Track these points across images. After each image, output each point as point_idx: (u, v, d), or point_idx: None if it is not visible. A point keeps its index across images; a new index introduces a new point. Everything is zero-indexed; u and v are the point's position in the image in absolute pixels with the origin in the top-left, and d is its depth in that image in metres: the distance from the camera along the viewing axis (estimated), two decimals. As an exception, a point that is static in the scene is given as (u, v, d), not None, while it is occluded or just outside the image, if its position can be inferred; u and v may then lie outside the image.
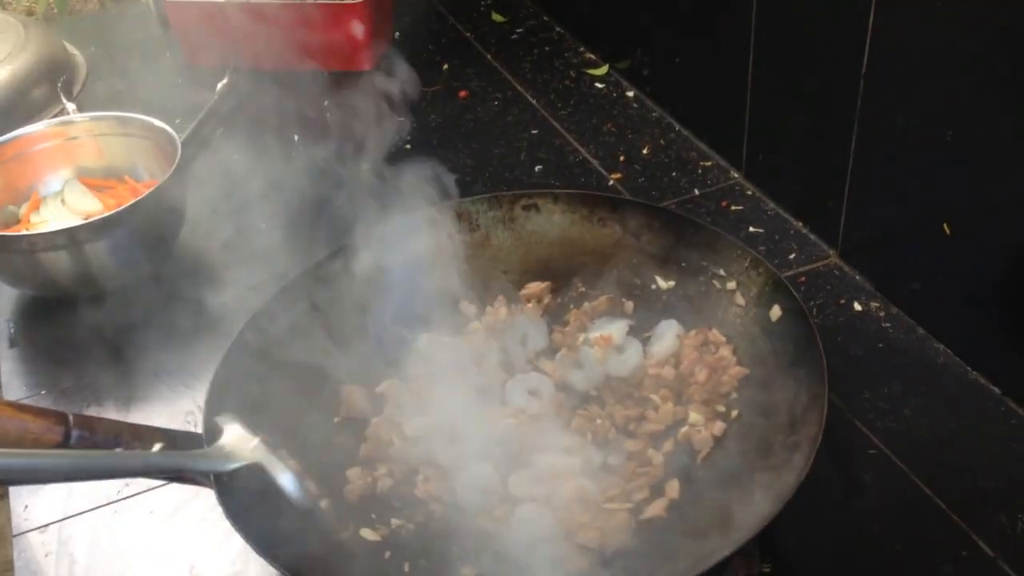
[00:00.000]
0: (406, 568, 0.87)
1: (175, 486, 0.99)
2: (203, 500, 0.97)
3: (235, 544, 0.94)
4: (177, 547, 0.96)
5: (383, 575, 0.86)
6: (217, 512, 0.95)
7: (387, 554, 0.88)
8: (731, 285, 1.01)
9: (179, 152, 1.28)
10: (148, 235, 1.25)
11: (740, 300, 1.00)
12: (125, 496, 1.01)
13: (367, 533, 0.90)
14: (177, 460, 0.82)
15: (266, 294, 1.04)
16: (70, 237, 1.19)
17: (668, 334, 1.02)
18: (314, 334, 1.02)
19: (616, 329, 1.02)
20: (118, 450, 0.80)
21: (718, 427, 0.94)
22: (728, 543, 0.76)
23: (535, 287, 1.10)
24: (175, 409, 1.11)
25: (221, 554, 0.94)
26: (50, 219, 1.32)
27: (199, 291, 1.29)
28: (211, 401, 0.89)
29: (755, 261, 0.99)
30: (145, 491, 1.01)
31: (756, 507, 0.82)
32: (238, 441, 0.83)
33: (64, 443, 0.77)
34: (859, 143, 1.15)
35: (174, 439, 0.84)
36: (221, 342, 0.97)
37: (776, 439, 0.87)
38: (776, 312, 0.95)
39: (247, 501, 0.83)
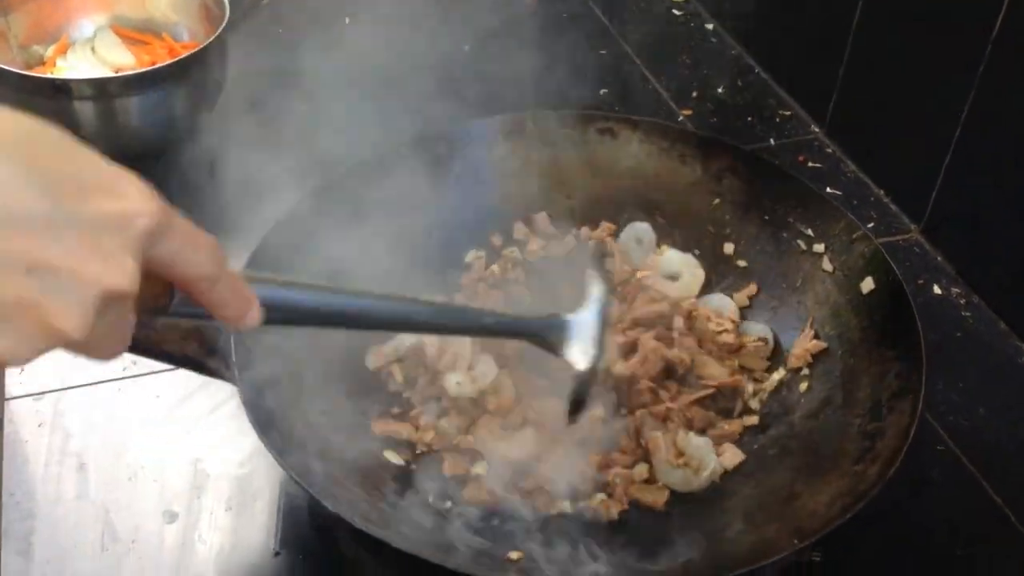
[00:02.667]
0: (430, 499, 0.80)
1: (182, 373, 0.91)
2: (215, 391, 0.89)
3: (246, 444, 0.87)
4: (181, 438, 0.88)
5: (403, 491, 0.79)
6: (228, 406, 0.88)
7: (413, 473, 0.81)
8: (819, 248, 0.92)
9: (227, 16, 1.17)
10: (182, 100, 1.15)
11: (827, 265, 0.91)
12: (131, 375, 0.93)
13: (390, 455, 0.83)
14: (524, 326, 0.70)
15: (303, 186, 0.95)
16: (99, 88, 1.10)
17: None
18: (351, 241, 0.93)
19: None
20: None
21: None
22: (795, 540, 0.69)
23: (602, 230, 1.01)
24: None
25: (229, 452, 0.87)
26: (77, 66, 1.22)
27: (230, 170, 1.21)
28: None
29: (851, 225, 0.90)
30: (153, 372, 0.93)
31: (825, 496, 0.74)
32: (586, 337, 0.69)
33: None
34: (971, 113, 1.04)
35: (200, 328, 0.76)
36: (245, 238, 0.88)
37: (854, 423, 0.80)
38: (868, 284, 0.86)
39: (273, 408, 0.75)
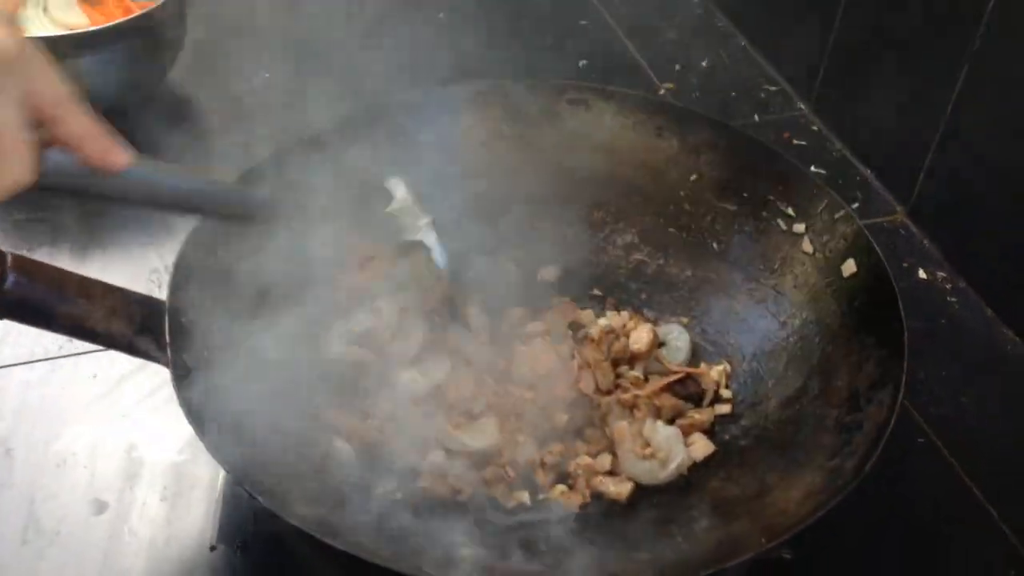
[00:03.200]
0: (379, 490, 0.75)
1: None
2: (155, 371, 0.83)
3: (185, 430, 0.80)
4: (116, 422, 0.83)
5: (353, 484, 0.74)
6: (168, 388, 0.82)
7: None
8: (799, 228, 0.87)
9: (184, -27, 1.11)
10: (137, 61, 1.10)
11: (807, 246, 0.86)
12: (66, 353, 0.88)
13: (340, 444, 0.77)
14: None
15: (261, 151, 0.89)
16: (50, 47, 1.03)
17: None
18: (304, 208, 0.88)
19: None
20: None
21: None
22: (762, 540, 0.64)
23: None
24: (139, 266, 0.97)
25: (167, 438, 0.81)
26: (28, 28, 1.15)
27: (187, 134, 1.15)
28: (178, 274, 0.75)
29: (833, 205, 0.85)
30: (90, 351, 0.87)
31: (797, 492, 0.69)
32: (408, 215, 0.83)
33: (-5, 286, 0.63)
34: (962, 92, 0.99)
35: (133, 304, 0.70)
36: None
37: (830, 414, 0.75)
38: (850, 267, 0.81)
39: (209, 393, 0.70)
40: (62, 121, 0.54)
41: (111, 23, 1.06)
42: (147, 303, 0.70)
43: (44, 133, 0.54)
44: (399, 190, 0.86)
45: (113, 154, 0.56)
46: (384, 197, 0.86)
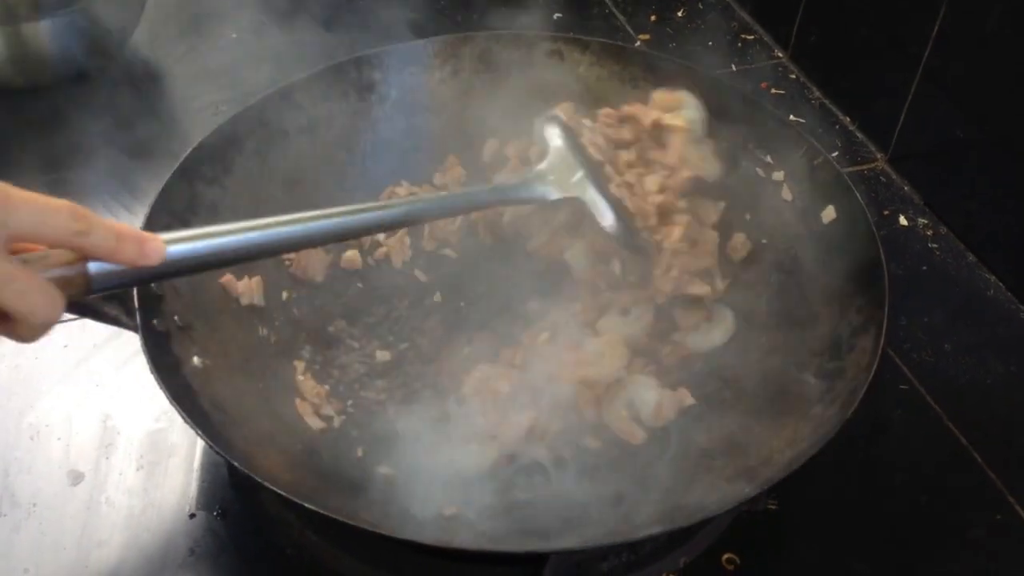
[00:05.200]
0: (359, 452, 0.75)
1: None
2: (129, 339, 0.82)
3: (159, 398, 0.79)
4: (91, 392, 0.82)
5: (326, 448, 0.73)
6: (141, 358, 0.81)
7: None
8: (778, 175, 0.86)
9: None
10: (97, 23, 1.07)
11: (787, 194, 0.84)
12: (37, 324, 0.86)
13: (313, 421, 0.76)
14: (496, 192, 0.77)
15: (227, 115, 0.87)
16: (7, 10, 1.03)
17: None
18: (276, 168, 0.86)
19: None
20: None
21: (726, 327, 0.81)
22: (751, 480, 0.63)
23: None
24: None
25: (142, 407, 0.80)
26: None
27: (154, 97, 1.13)
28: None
29: (812, 151, 0.84)
30: (64, 320, 0.85)
31: (780, 441, 0.69)
32: (563, 170, 0.75)
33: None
34: (939, 35, 0.98)
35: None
36: (169, 163, 0.80)
37: (812, 362, 0.74)
38: (830, 213, 0.80)
39: (180, 358, 0.69)
40: (85, 243, 0.52)
41: (71, -17, 1.04)
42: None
43: (73, 255, 0.53)
44: (554, 139, 0.77)
45: (148, 250, 0.54)
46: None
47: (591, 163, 0.76)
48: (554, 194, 0.75)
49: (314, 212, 0.62)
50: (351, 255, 0.88)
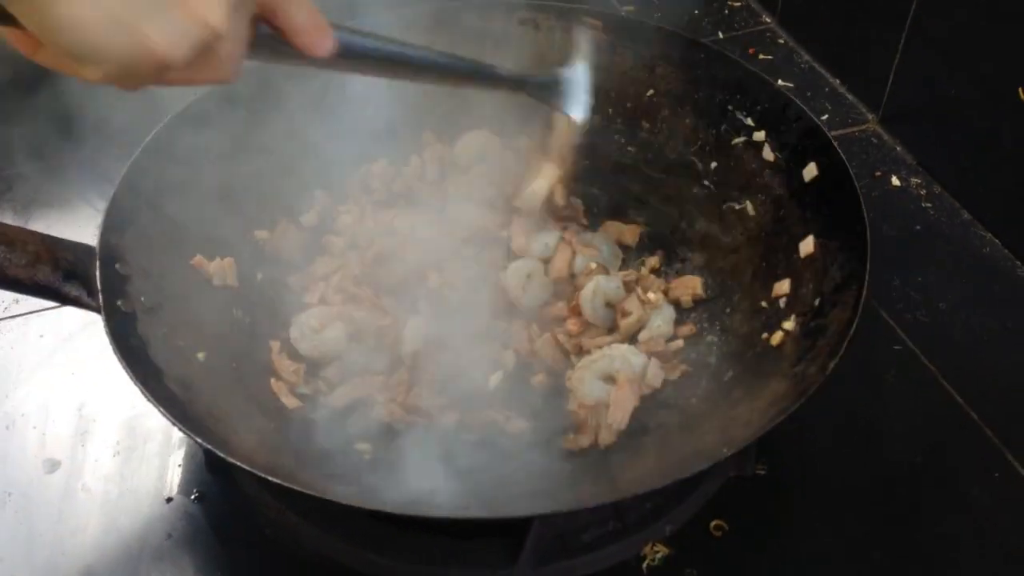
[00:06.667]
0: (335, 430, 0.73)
1: (70, 310, 0.83)
2: (101, 327, 0.81)
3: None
4: (65, 381, 0.81)
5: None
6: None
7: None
8: (759, 136, 0.84)
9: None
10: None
11: (768, 154, 0.82)
12: (13, 314, 0.85)
13: (289, 400, 0.75)
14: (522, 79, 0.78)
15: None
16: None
17: None
18: (246, 143, 0.85)
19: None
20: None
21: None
22: (730, 442, 0.62)
23: None
24: (87, 221, 0.94)
25: (118, 395, 0.79)
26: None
27: (110, 95, 1.12)
28: (109, 219, 0.72)
29: (793, 109, 0.81)
30: (36, 311, 0.85)
31: (763, 402, 0.67)
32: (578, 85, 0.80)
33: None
34: (926, -12, 0.96)
35: (59, 250, 0.67)
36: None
37: (796, 322, 0.72)
38: (812, 171, 0.78)
39: (147, 339, 0.67)
40: (280, 13, 0.53)
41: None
42: (76, 249, 0.68)
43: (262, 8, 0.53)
44: (583, 47, 0.83)
45: (320, 42, 0.55)
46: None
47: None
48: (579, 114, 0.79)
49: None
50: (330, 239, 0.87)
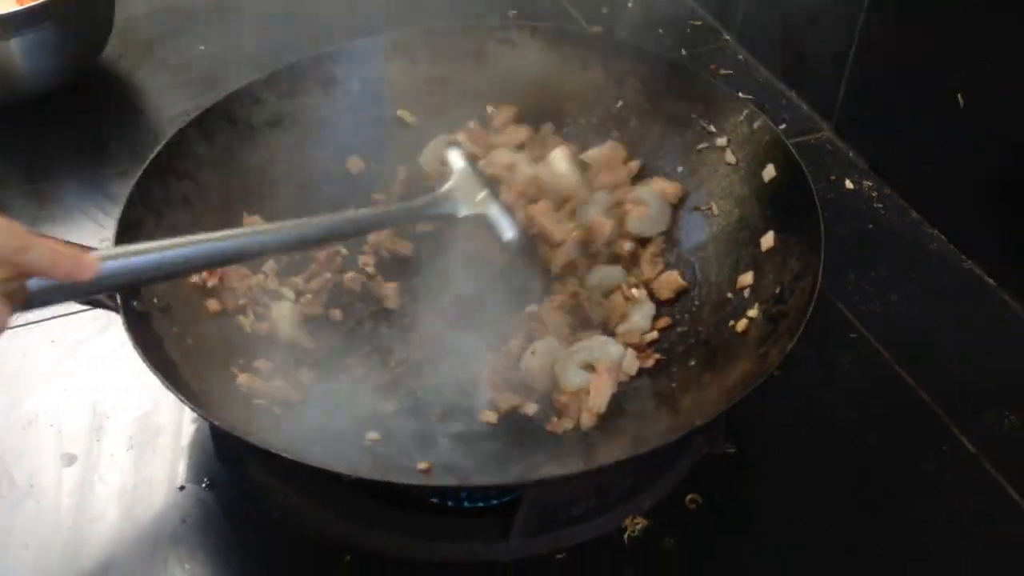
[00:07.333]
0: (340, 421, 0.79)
1: (81, 315, 0.88)
2: (113, 335, 0.86)
3: (146, 382, 0.83)
4: (79, 382, 0.86)
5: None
6: (127, 348, 0.85)
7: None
8: (721, 141, 0.91)
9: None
10: (69, 38, 1.11)
11: (730, 158, 0.89)
12: (25, 322, 0.89)
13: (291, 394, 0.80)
14: (409, 210, 0.82)
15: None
16: (-22, 29, 1.06)
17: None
18: (244, 160, 0.91)
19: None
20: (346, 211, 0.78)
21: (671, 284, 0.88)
22: (699, 414, 0.68)
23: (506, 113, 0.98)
24: (89, 238, 0.99)
25: (129, 393, 0.84)
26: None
27: (127, 110, 1.18)
28: (122, 226, 0.77)
29: (751, 115, 0.89)
30: (48, 318, 0.90)
31: (729, 382, 0.74)
32: (467, 188, 0.82)
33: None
34: (871, 7, 1.03)
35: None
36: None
37: (759, 310, 0.79)
38: (770, 172, 0.85)
39: (163, 335, 0.73)
40: (23, 260, 0.57)
41: (39, 1, 1.08)
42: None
43: (12, 271, 0.57)
44: (458, 162, 0.84)
45: (82, 266, 0.60)
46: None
47: (490, 183, 0.85)
48: (463, 211, 0.81)
49: (233, 231, 0.70)
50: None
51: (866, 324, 0.93)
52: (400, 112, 0.98)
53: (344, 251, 0.91)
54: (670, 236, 0.91)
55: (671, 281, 0.88)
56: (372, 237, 0.91)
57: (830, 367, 0.89)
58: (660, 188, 0.92)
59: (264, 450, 0.64)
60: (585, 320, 0.86)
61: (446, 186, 0.82)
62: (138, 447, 0.80)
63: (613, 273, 0.90)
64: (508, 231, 0.82)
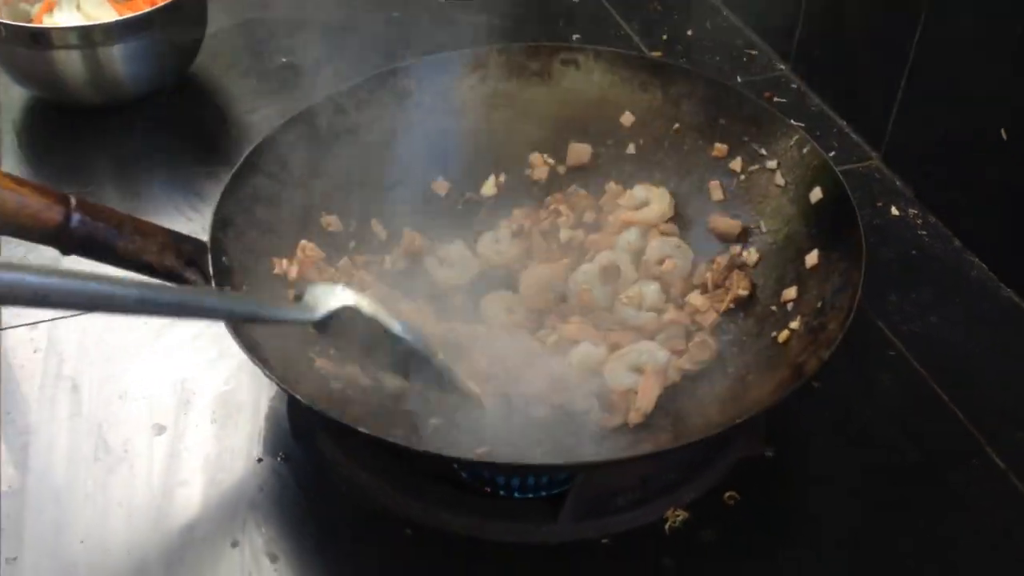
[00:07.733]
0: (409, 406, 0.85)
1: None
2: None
3: (229, 363, 0.92)
4: (169, 360, 0.93)
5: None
6: (211, 331, 0.93)
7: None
8: (772, 164, 0.96)
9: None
10: (165, 47, 1.20)
11: (780, 180, 0.95)
12: (120, 305, 0.98)
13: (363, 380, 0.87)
14: (260, 308, 0.76)
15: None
16: (83, 37, 1.15)
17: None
18: (325, 165, 0.98)
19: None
20: (194, 287, 0.75)
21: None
22: (741, 411, 0.73)
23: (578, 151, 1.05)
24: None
25: (214, 372, 0.92)
26: (62, 23, 1.26)
27: (217, 114, 1.26)
28: (216, 230, 0.84)
29: (801, 140, 0.94)
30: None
31: (770, 386, 0.79)
32: (322, 293, 0.77)
33: (64, 225, 0.72)
34: (921, 41, 1.08)
35: (180, 242, 0.80)
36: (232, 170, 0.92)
37: (801, 322, 0.84)
38: (817, 194, 0.90)
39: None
40: None
41: (139, 12, 1.17)
42: (191, 241, 0.81)
43: None
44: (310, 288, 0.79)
45: None
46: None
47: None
48: (318, 313, 0.75)
49: (110, 276, 0.65)
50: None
51: (906, 343, 0.97)
52: (469, 124, 1.04)
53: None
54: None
55: (734, 294, 0.93)
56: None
57: (869, 382, 0.94)
58: (716, 225, 0.98)
59: (339, 425, 0.71)
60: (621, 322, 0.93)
61: (302, 300, 0.78)
62: (220, 421, 0.87)
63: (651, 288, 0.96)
64: (395, 327, 0.77)
